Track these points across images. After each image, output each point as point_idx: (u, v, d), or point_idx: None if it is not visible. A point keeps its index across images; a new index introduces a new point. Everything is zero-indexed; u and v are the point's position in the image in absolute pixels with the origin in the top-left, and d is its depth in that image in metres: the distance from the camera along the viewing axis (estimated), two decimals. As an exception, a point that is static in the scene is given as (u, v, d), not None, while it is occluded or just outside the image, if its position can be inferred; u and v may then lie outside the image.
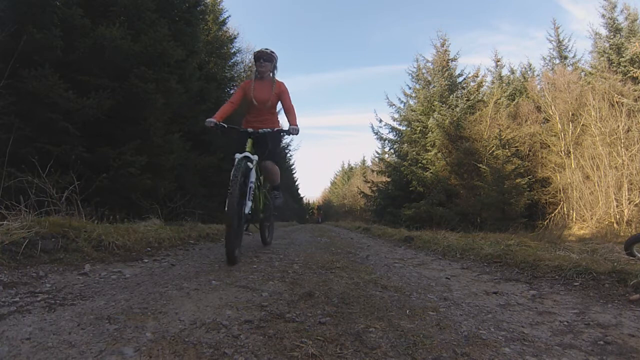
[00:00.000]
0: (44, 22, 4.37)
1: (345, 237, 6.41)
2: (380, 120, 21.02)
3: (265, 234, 3.73)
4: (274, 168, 3.28)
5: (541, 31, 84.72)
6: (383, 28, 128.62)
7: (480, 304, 1.63)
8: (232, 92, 15.79)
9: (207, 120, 2.92)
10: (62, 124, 4.35)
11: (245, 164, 2.58)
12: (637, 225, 10.78)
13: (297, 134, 2.99)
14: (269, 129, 2.97)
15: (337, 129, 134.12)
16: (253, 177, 2.68)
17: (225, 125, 2.91)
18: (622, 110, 12.26)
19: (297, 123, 3.07)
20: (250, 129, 2.95)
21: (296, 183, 34.41)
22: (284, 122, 3.92)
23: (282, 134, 3.09)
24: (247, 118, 3.28)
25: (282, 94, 3.22)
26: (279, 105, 3.35)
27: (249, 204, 2.59)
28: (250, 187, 2.63)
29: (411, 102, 17.98)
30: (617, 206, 11.66)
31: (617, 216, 11.55)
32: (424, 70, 17.69)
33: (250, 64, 20.09)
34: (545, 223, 13.02)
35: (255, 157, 2.78)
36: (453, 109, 15.44)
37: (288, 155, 24.80)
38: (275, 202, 3.42)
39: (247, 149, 2.76)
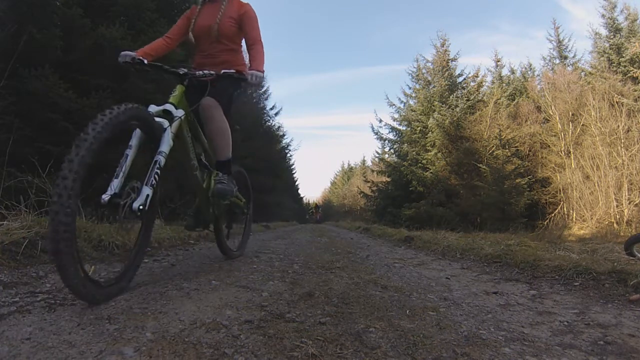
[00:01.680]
0: (44, 22, 4.38)
1: (345, 237, 6.41)
2: (380, 120, 21.07)
3: (223, 241, 2.54)
4: (215, 113, 2.02)
5: (541, 31, 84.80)
6: (383, 28, 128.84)
7: (480, 304, 1.63)
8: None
9: (123, 53, 1.93)
10: (62, 124, 4.36)
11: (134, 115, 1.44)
12: (637, 225, 10.79)
13: (258, 82, 1.97)
14: (211, 72, 1.96)
15: (337, 129, 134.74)
16: (166, 145, 1.63)
17: (145, 61, 1.92)
18: (622, 110, 12.28)
19: (263, 67, 2.07)
20: (183, 70, 1.93)
21: (296, 183, 34.44)
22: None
23: (236, 78, 1.98)
24: (196, 59, 2.31)
25: (244, 18, 2.21)
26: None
27: (145, 192, 1.49)
28: (157, 163, 1.57)
29: (411, 102, 18.03)
30: (617, 206, 11.67)
31: (617, 216, 11.56)
32: (424, 70, 17.74)
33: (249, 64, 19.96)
34: (545, 223, 13.04)
35: (178, 112, 1.77)
36: (453, 109, 15.45)
37: (288, 155, 24.74)
38: (216, 188, 2.10)
39: (170, 99, 1.80)
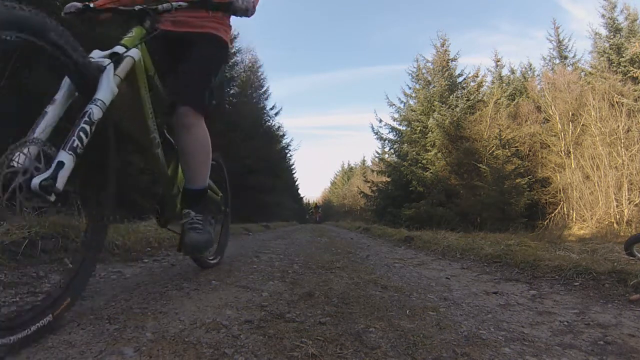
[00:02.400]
0: (44, 22, 4.38)
1: (345, 237, 6.41)
2: (380, 120, 21.06)
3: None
4: (194, 121, 1.53)
5: (541, 31, 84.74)
6: (383, 28, 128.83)
7: (480, 304, 1.63)
8: (231, 92, 15.45)
9: (67, 5, 1.49)
10: (61, 124, 4.36)
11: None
12: (637, 225, 10.80)
13: (245, 7, 1.46)
14: (179, 3, 1.43)
15: (337, 129, 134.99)
16: (105, 91, 1.11)
17: (91, 4, 1.48)
18: (622, 110, 12.30)
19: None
20: (139, 6, 1.42)
21: (296, 183, 34.49)
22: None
23: (217, 37, 1.61)
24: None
25: None
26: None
27: (61, 159, 0.93)
28: (86, 115, 1.04)
29: (411, 102, 18.07)
30: (617, 206, 11.69)
31: (617, 216, 11.58)
32: (424, 70, 17.77)
33: (250, 64, 19.76)
34: (545, 223, 13.06)
35: (131, 52, 1.27)
36: (453, 109, 15.47)
37: (288, 155, 24.76)
38: (187, 238, 1.52)
39: (123, 41, 1.29)
